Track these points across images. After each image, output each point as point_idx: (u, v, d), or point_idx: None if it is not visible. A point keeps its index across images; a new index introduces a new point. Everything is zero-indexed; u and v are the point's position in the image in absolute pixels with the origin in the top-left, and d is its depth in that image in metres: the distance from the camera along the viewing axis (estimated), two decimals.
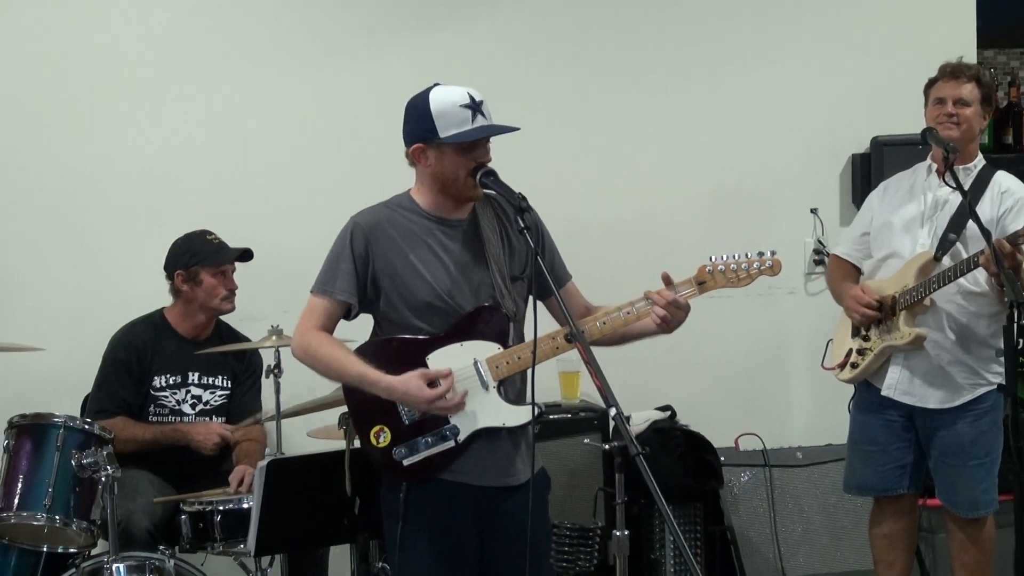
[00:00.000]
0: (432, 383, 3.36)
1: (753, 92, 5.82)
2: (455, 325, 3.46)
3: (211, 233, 4.82)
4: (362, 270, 3.47)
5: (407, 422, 3.43)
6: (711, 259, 3.49)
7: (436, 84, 3.47)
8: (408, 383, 3.35)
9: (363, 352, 3.47)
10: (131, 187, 5.27)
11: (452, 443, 3.42)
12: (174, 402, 4.75)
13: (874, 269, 4.53)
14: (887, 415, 4.46)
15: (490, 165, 3.45)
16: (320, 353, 3.45)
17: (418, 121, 3.42)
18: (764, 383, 5.85)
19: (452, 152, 3.41)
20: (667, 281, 3.47)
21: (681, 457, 5.23)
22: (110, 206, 5.26)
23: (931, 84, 4.43)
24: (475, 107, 3.40)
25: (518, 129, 3.44)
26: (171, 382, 4.75)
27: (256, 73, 5.37)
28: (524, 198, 3.33)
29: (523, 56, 5.61)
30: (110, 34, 5.24)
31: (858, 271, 4.62)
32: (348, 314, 3.53)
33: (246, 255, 4.81)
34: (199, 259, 4.72)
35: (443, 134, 3.38)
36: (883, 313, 4.36)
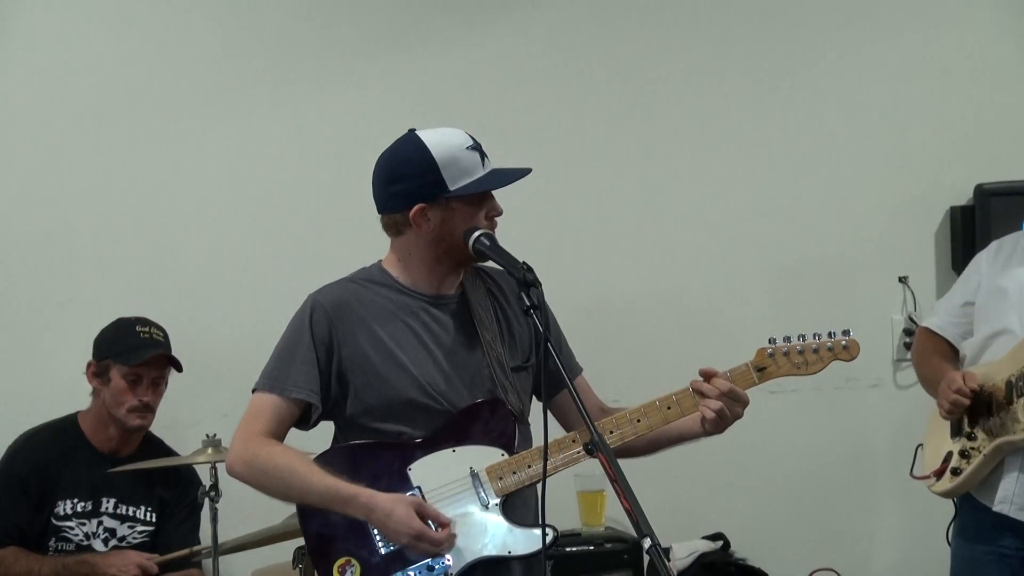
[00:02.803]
0: (423, 518, 3.25)
1: (827, 135, 5.83)
2: (447, 425, 3.37)
3: (146, 324, 4.72)
4: (324, 360, 3.35)
5: (383, 552, 3.30)
6: (772, 341, 3.45)
7: (412, 130, 3.40)
8: (396, 505, 3.23)
9: (326, 461, 3.32)
10: (42, 267, 5.27)
11: None
12: (82, 535, 4.62)
13: (979, 351, 4.34)
14: (1001, 545, 4.19)
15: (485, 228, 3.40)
16: (272, 464, 3.29)
17: (417, 176, 3.33)
18: (842, 503, 5.78)
19: (464, 207, 3.33)
20: (710, 374, 3.39)
21: None
22: (16, 289, 5.24)
23: None
24: (479, 148, 3.36)
25: (531, 170, 3.40)
26: (79, 509, 4.62)
27: (184, 148, 5.41)
28: (530, 268, 3.19)
29: (531, 94, 5.61)
30: (23, 100, 5.29)
31: (954, 351, 4.47)
32: (306, 419, 3.39)
33: (170, 361, 4.70)
34: (112, 352, 4.64)
35: (454, 186, 3.31)
36: (993, 404, 4.15)
